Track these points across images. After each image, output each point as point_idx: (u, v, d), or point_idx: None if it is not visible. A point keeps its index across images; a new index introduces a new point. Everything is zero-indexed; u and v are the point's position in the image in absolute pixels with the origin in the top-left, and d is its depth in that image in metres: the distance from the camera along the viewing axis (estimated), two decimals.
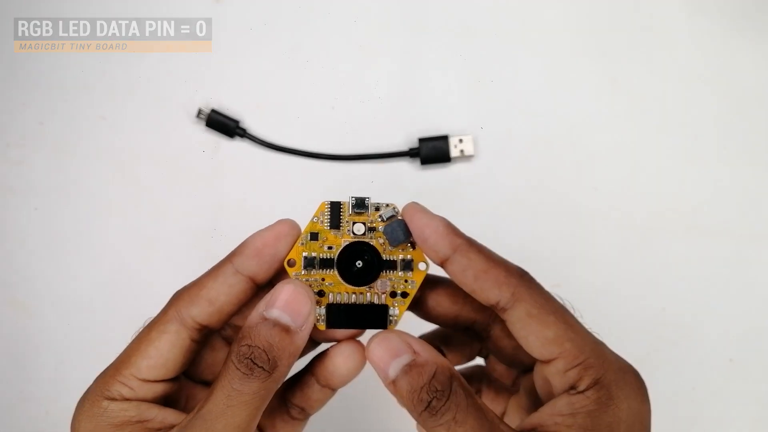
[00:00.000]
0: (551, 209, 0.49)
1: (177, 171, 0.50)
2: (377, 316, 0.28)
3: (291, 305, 0.26)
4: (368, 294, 0.28)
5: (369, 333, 0.28)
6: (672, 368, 0.48)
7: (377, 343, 0.26)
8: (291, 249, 0.27)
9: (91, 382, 0.27)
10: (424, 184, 0.50)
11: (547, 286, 0.27)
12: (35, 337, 0.49)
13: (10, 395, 0.49)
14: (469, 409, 0.24)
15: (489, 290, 0.26)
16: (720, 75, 0.50)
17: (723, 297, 0.48)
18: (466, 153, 0.49)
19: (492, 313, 0.29)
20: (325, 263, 0.28)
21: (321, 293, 0.28)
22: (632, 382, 0.25)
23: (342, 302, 0.28)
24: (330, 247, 0.28)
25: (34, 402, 0.48)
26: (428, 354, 0.25)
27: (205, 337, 0.28)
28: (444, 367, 0.25)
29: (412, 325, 0.29)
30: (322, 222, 0.28)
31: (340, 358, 0.28)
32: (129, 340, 0.27)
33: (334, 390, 0.29)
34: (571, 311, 0.27)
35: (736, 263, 0.48)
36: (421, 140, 0.49)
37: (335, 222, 0.28)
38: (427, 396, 0.24)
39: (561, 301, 0.27)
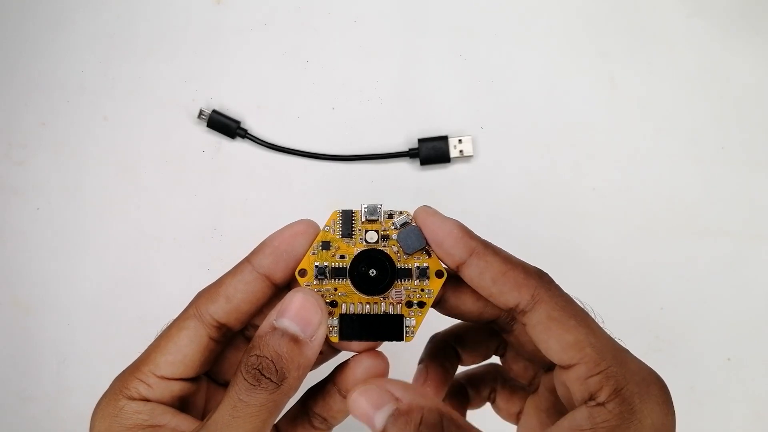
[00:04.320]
0: (550, 209, 0.49)
1: (178, 171, 0.50)
2: (392, 327, 0.27)
3: (301, 314, 0.25)
4: (383, 304, 0.27)
5: (388, 343, 0.27)
6: (670, 368, 0.47)
7: (359, 395, 0.25)
8: (308, 248, 0.27)
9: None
10: (424, 184, 0.50)
11: None
12: (37, 337, 0.49)
13: (12, 394, 0.49)
14: None
15: (508, 293, 0.25)
16: (719, 75, 0.50)
17: (721, 296, 0.49)
18: (466, 153, 0.49)
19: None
20: (338, 273, 0.27)
21: (334, 304, 0.27)
22: (656, 394, 0.24)
23: (355, 313, 0.27)
24: (342, 256, 0.27)
25: (35, 401, 0.49)
26: (412, 398, 0.24)
27: (225, 336, 0.27)
28: (431, 409, 0.24)
29: (430, 319, 0.29)
30: (333, 231, 0.27)
31: (360, 369, 0.27)
32: (145, 341, 0.27)
33: None
34: (592, 315, 0.26)
35: (734, 263, 0.49)
36: (421, 140, 0.49)
37: (347, 230, 0.27)
38: None
39: (581, 305, 0.26)
